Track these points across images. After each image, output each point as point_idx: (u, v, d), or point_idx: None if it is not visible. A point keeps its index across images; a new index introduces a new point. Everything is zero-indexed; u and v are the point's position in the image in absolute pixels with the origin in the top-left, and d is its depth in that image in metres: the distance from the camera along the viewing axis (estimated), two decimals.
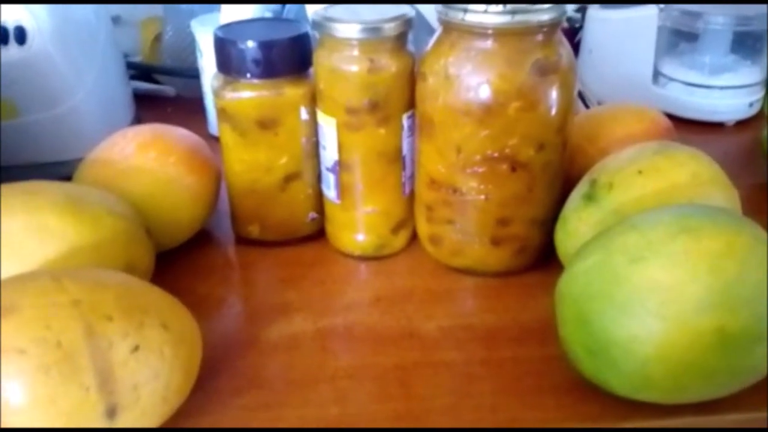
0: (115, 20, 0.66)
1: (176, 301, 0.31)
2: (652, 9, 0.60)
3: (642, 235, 0.30)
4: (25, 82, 0.47)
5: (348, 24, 0.37)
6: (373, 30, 0.37)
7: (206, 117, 0.59)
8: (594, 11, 0.65)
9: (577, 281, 0.31)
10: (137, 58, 0.69)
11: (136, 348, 0.27)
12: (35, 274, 0.29)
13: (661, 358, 0.28)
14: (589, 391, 0.32)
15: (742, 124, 0.62)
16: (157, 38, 0.68)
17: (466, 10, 0.35)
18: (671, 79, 0.62)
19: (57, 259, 0.32)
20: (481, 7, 0.34)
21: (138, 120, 0.58)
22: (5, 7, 0.46)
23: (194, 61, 0.59)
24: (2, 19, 0.46)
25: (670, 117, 0.47)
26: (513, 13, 0.34)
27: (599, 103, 0.60)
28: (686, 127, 0.60)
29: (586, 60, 0.66)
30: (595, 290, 0.30)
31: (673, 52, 0.64)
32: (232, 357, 0.35)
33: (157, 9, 0.68)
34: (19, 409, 0.25)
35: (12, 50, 0.46)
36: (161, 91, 0.66)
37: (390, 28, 0.37)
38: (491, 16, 0.34)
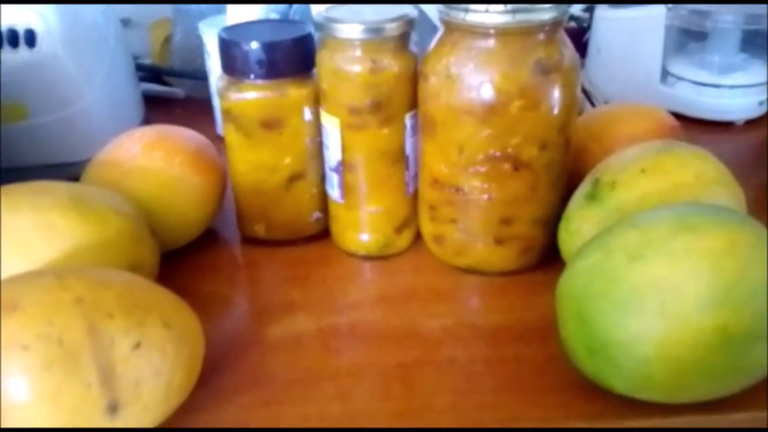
0: (125, 23, 0.67)
1: (179, 299, 0.31)
2: (660, 8, 0.60)
3: (643, 233, 0.30)
4: (34, 85, 0.48)
5: (350, 24, 0.37)
6: (375, 30, 0.37)
7: (214, 118, 0.59)
8: (602, 11, 0.65)
9: (577, 280, 0.31)
10: (147, 61, 0.70)
11: (138, 345, 0.27)
12: (39, 272, 0.29)
13: (662, 357, 0.28)
14: (591, 389, 0.32)
15: (751, 123, 0.61)
16: (167, 40, 0.69)
17: (467, 10, 0.35)
18: (680, 79, 0.62)
19: (63, 257, 0.33)
20: (483, 6, 0.34)
21: (147, 122, 0.59)
22: (15, 10, 0.46)
23: (203, 62, 0.59)
24: (12, 23, 0.46)
25: (679, 117, 0.46)
26: (514, 12, 0.34)
27: (606, 102, 0.59)
28: (695, 127, 0.59)
29: (595, 59, 0.66)
30: (595, 289, 0.30)
31: (682, 51, 0.64)
32: (236, 355, 0.36)
33: (167, 11, 0.69)
34: (22, 404, 0.25)
35: (22, 53, 0.47)
36: (170, 93, 0.67)
37: (392, 29, 0.37)
38: (493, 16, 0.34)
